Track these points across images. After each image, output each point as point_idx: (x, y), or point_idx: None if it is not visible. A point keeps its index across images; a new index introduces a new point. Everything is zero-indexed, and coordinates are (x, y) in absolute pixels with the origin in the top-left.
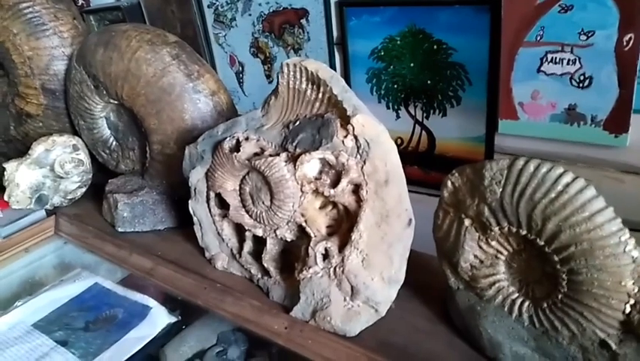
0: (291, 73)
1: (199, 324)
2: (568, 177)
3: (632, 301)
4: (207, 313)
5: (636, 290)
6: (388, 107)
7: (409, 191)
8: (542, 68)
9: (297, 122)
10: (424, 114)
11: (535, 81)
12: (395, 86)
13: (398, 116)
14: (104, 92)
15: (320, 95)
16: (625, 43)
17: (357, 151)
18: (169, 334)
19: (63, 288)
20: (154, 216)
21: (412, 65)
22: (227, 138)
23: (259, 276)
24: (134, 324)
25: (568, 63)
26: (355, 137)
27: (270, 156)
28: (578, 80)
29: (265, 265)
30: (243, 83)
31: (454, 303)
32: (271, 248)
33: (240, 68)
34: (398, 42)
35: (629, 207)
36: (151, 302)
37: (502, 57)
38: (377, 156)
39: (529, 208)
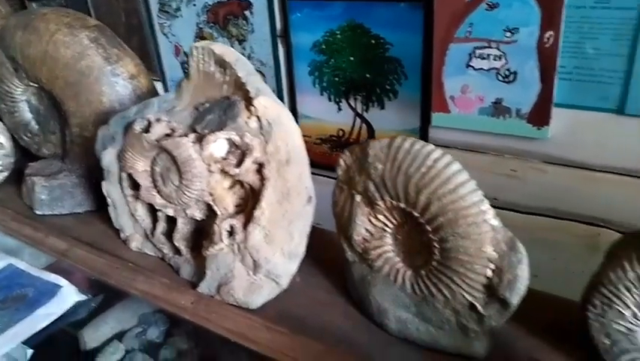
0: (200, 56)
1: (120, 306)
2: (437, 154)
3: (492, 266)
4: (129, 295)
5: (496, 256)
6: (330, 100)
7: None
8: (471, 63)
9: (206, 104)
10: (364, 107)
11: (465, 76)
12: (336, 78)
13: (340, 109)
14: (24, 75)
15: (227, 77)
16: (546, 40)
17: (260, 131)
18: (85, 315)
19: None
20: (73, 200)
21: (351, 58)
22: (139, 119)
23: (170, 255)
24: (42, 302)
25: (494, 59)
26: (258, 118)
27: (179, 136)
28: (503, 75)
29: (176, 243)
30: None
31: (350, 275)
32: (182, 227)
33: (185, 58)
34: (338, 36)
35: (551, 196)
36: (62, 282)
37: (434, 52)
38: (279, 136)
39: (405, 182)
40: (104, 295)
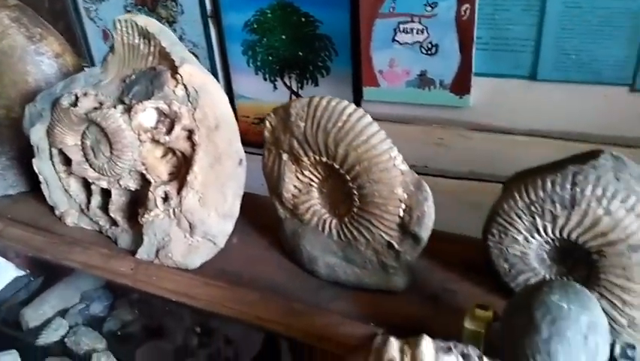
0: (124, 29)
1: (62, 285)
2: (350, 109)
3: (403, 206)
4: (70, 274)
5: (406, 197)
6: (265, 79)
7: None
8: (396, 38)
9: (133, 76)
10: (299, 85)
11: (391, 50)
12: (270, 57)
13: (275, 88)
14: None
15: (152, 48)
16: (463, 13)
17: (188, 99)
18: (25, 295)
19: None
20: (4, 182)
21: (283, 37)
22: (66, 94)
23: (107, 227)
24: None
25: (417, 32)
26: (185, 86)
27: (107, 108)
28: (426, 48)
29: (112, 215)
30: None
31: (283, 231)
32: (117, 199)
33: None
34: (269, 15)
35: (476, 161)
36: None
37: (361, 28)
38: (206, 103)
39: (325, 137)
40: (45, 276)
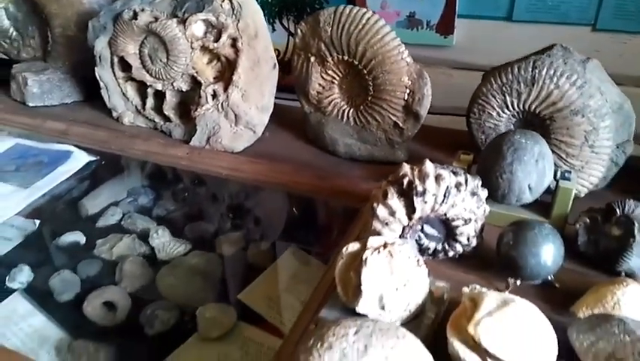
0: None
1: (111, 183)
2: (368, 14)
3: (408, 91)
4: (120, 173)
5: (410, 83)
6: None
7: (286, 98)
8: None
9: None
10: (296, 26)
11: None
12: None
13: (274, 29)
14: None
15: None
16: None
17: (233, 12)
18: (88, 185)
19: None
20: (61, 92)
21: None
22: (126, 10)
23: (162, 123)
24: (60, 162)
25: None
26: (230, 1)
27: (164, 20)
28: None
29: (166, 113)
30: None
31: (308, 122)
32: (170, 99)
33: None
34: None
35: (457, 97)
36: (72, 148)
37: None
38: (248, 15)
39: (347, 38)
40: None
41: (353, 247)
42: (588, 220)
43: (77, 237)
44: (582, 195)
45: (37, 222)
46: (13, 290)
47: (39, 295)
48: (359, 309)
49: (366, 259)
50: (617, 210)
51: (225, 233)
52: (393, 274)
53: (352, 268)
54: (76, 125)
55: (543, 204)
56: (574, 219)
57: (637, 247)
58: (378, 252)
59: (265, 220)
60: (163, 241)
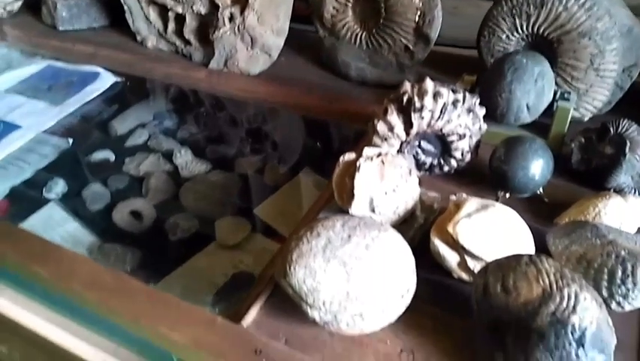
0: None
1: (139, 106)
2: None
3: (418, 12)
4: (146, 98)
5: (421, 5)
6: None
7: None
8: None
9: None
10: None
11: None
12: None
13: None
14: None
15: None
16: None
17: None
18: (117, 108)
19: (23, 69)
20: (88, 17)
21: None
22: None
23: (183, 47)
24: (88, 82)
25: None
26: None
27: None
28: None
29: (186, 36)
30: None
31: (322, 46)
32: (190, 22)
33: None
34: None
35: None
36: (99, 69)
37: None
38: None
39: None
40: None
41: (349, 156)
42: (583, 140)
43: (107, 154)
44: (585, 118)
45: (71, 140)
46: (49, 200)
47: (72, 204)
48: (352, 211)
49: (359, 165)
50: (611, 129)
51: (244, 155)
52: (384, 179)
53: (347, 175)
54: (103, 48)
55: (542, 125)
56: (570, 139)
57: (626, 164)
58: (371, 160)
59: (281, 144)
60: (186, 160)
